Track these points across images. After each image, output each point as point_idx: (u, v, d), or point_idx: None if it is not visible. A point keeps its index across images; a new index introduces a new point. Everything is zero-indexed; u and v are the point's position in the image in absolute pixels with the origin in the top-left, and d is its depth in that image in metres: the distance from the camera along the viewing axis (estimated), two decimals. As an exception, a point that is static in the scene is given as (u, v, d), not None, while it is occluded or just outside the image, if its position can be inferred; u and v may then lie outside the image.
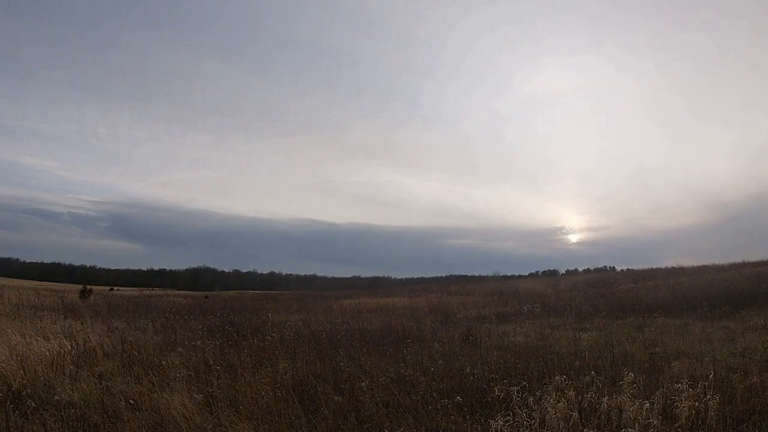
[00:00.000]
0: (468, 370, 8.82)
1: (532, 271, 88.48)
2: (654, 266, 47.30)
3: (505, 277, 73.03)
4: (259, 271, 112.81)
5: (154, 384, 8.17)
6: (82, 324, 15.98)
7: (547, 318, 18.13)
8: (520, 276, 79.18)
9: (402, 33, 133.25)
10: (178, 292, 67.04)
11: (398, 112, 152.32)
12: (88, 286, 43.57)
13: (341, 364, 9.58)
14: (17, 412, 6.62)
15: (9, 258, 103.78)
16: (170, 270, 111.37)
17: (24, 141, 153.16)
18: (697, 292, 20.57)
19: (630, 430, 5.64)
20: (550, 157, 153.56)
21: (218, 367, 9.38)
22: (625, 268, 58.35)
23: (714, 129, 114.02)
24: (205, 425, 6.47)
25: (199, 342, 12.29)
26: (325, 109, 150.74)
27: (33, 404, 6.61)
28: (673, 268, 40.09)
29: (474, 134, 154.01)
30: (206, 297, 47.01)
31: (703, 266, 39.51)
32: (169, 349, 11.82)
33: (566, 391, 6.84)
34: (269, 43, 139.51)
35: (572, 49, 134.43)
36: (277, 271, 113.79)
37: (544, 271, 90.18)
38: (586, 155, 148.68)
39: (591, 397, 6.77)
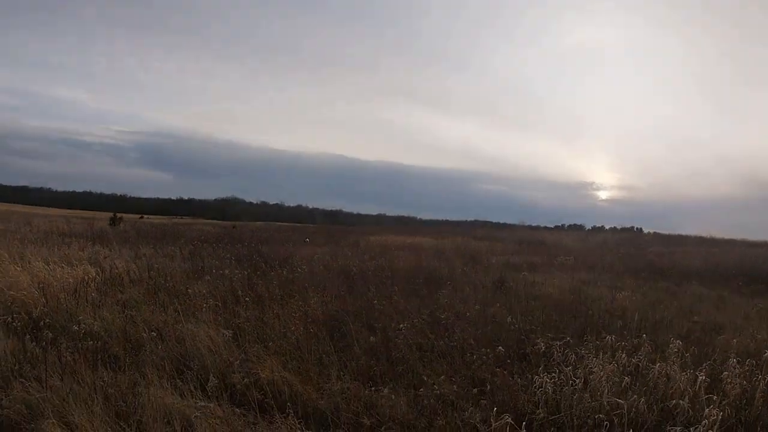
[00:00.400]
0: (506, 318, 8.39)
1: (558, 224, 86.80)
2: (682, 233, 46.08)
3: (531, 227, 71.93)
4: (286, 204, 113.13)
5: (179, 313, 7.87)
6: (110, 250, 15.92)
7: (578, 272, 17.58)
8: (546, 227, 78.04)
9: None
10: (206, 221, 67.63)
11: (429, 51, 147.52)
12: (118, 214, 44.31)
13: (374, 302, 9.24)
14: (34, 342, 6.33)
15: (41, 188, 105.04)
16: (199, 200, 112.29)
17: (55, 73, 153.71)
18: (730, 264, 19.71)
19: (681, 401, 5.20)
20: (586, 111, 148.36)
21: (246, 299, 9.12)
22: (652, 231, 57.18)
23: (760, 103, 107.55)
24: (231, 359, 6.17)
25: (226, 271, 12.03)
26: (355, 45, 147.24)
27: (50, 335, 6.20)
28: (704, 237, 38.91)
29: (508, 81, 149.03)
30: (234, 227, 47.30)
31: (734, 240, 38.28)
32: (196, 278, 11.52)
33: (618, 353, 6.35)
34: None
35: (619, 5, 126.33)
36: (303, 205, 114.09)
37: (570, 225, 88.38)
38: (623, 114, 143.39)
39: (640, 361, 6.32)
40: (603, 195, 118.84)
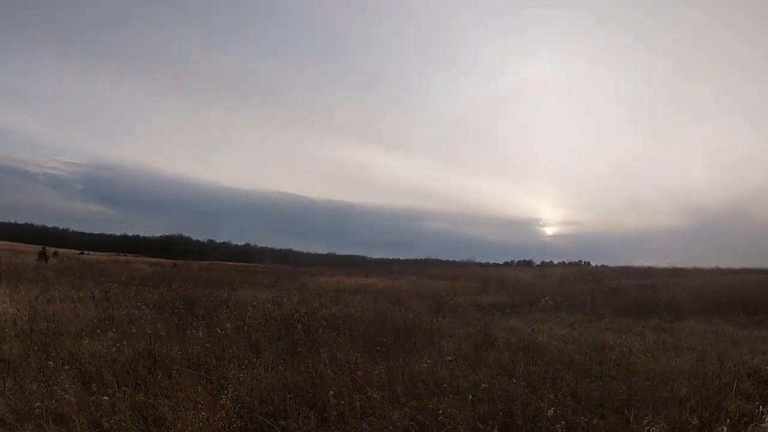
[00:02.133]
0: (530, 398, 5.72)
1: (507, 260, 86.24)
2: (628, 264, 45.40)
3: (480, 264, 70.57)
4: (234, 243, 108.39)
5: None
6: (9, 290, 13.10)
7: (557, 313, 15.27)
8: (495, 264, 77.05)
9: (394, 19, 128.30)
10: (148, 259, 63.27)
11: (382, 95, 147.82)
12: (53, 249, 39.85)
13: (326, 370, 6.41)
14: None
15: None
16: (144, 236, 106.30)
17: (1, 99, 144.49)
18: (713, 294, 17.99)
19: None
20: (531, 148, 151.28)
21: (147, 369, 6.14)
22: (599, 264, 56.71)
23: (694, 132, 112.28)
24: None
25: (134, 329, 9.03)
26: (308, 87, 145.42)
27: None
28: (663, 268, 38.04)
29: (456, 122, 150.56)
30: (174, 266, 43.53)
31: (697, 268, 37.46)
32: (102, 330, 9.20)
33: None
34: (257, 16, 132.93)
35: (557, 43, 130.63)
36: (252, 244, 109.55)
37: (519, 261, 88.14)
38: (566, 149, 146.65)
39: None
40: (549, 231, 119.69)
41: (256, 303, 12.75)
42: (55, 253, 49.43)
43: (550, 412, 5.03)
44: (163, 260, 60.76)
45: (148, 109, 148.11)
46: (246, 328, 9.09)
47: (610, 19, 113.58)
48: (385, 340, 8.31)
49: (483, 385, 5.85)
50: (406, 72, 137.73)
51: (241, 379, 6.04)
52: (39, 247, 53.74)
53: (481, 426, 4.87)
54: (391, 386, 5.95)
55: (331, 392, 5.48)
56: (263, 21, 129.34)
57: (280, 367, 6.60)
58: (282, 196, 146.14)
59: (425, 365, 6.87)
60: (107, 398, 5.26)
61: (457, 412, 5.05)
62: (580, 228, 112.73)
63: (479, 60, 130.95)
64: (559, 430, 4.76)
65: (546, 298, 16.29)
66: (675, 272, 33.41)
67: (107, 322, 10.34)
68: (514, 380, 6.39)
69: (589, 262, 66.10)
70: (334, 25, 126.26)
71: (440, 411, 5.10)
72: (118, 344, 7.77)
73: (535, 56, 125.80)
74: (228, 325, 9.21)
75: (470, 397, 5.34)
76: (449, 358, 7.32)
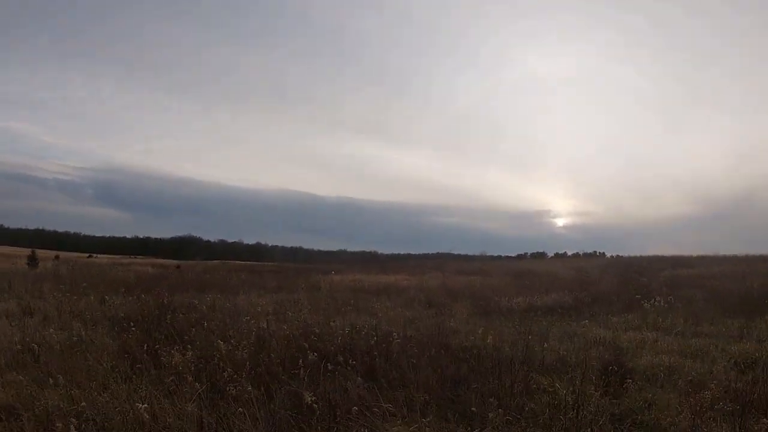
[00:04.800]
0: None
1: (519, 252, 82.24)
2: (642, 254, 41.74)
3: (493, 258, 66.83)
4: (245, 242, 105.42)
5: None
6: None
7: (625, 315, 11.54)
8: (508, 257, 73.10)
9: (396, 9, 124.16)
10: (155, 260, 60.08)
11: (389, 87, 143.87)
12: (54, 253, 36.97)
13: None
14: None
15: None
16: (155, 238, 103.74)
17: (7, 106, 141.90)
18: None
19: None
20: (540, 141, 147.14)
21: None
22: (614, 255, 53.13)
23: (708, 124, 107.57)
24: None
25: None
26: (314, 82, 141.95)
27: None
28: (706, 255, 33.99)
29: (464, 114, 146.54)
30: (178, 267, 40.10)
31: (726, 256, 33.34)
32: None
33: None
34: (259, 14, 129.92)
35: (568, 34, 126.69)
36: (263, 242, 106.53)
37: (533, 253, 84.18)
38: (576, 141, 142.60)
39: None
40: (560, 222, 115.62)
41: (249, 318, 9.03)
42: (57, 257, 46.34)
43: None
44: (168, 261, 57.61)
45: (155, 110, 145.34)
46: (220, 365, 5.41)
47: (622, 7, 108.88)
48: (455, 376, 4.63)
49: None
50: (410, 63, 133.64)
51: None
52: (46, 252, 50.84)
53: None
54: None
55: None
56: (259, 18, 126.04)
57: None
58: (291, 193, 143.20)
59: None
60: None
61: None
62: (591, 219, 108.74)
63: (485, 52, 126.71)
64: None
65: (655, 299, 12.37)
66: (710, 260, 29.34)
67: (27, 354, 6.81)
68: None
69: (604, 253, 62.61)
70: (333, 20, 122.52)
71: None
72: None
73: (543, 45, 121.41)
74: (192, 360, 5.54)
75: None
76: None
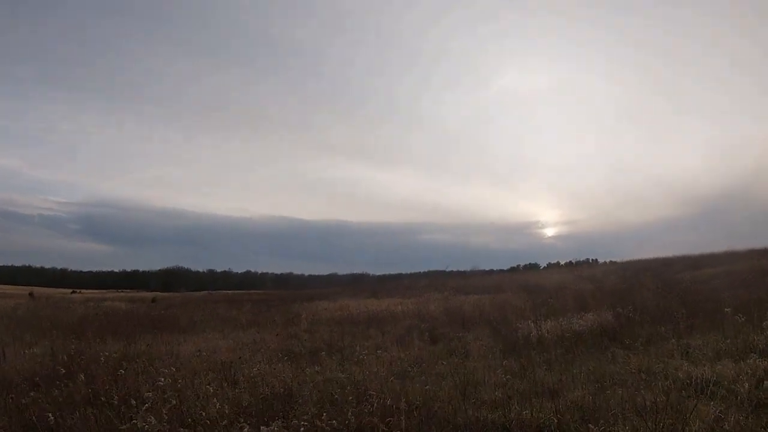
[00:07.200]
0: None
1: (512, 265, 79.62)
2: (637, 258, 39.30)
3: (485, 272, 63.97)
4: (234, 271, 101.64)
5: None
6: None
7: (703, 335, 8.51)
8: (501, 270, 70.31)
9: (378, 33, 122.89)
10: (137, 294, 56.95)
11: (372, 111, 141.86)
12: (29, 289, 33.77)
13: None
14: None
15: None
16: (143, 271, 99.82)
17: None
18: None
19: None
20: (524, 152, 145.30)
21: None
22: (607, 261, 51.36)
23: (689, 124, 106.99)
24: None
25: None
26: (297, 108, 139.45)
27: None
28: (716, 253, 31.07)
29: (448, 132, 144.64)
30: (153, 300, 36.71)
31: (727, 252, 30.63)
32: None
33: None
34: (242, 42, 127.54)
35: (549, 52, 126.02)
36: (252, 270, 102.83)
37: (525, 265, 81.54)
38: (561, 152, 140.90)
39: None
40: (549, 232, 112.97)
41: (169, 377, 5.87)
42: (31, 294, 43.00)
43: None
44: (150, 294, 54.20)
45: (139, 140, 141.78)
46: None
47: (598, 21, 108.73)
48: None
49: None
50: (393, 86, 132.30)
51: None
52: (39, 289, 47.63)
53: None
54: None
55: None
56: (243, 46, 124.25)
57: None
58: (280, 220, 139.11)
59: None
60: None
61: None
62: (579, 227, 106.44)
63: (467, 69, 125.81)
64: None
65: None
66: (713, 258, 26.55)
67: None
68: None
69: (596, 260, 60.79)
70: (316, 46, 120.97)
71: None
72: None
73: (526, 62, 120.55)
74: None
75: None
76: None
